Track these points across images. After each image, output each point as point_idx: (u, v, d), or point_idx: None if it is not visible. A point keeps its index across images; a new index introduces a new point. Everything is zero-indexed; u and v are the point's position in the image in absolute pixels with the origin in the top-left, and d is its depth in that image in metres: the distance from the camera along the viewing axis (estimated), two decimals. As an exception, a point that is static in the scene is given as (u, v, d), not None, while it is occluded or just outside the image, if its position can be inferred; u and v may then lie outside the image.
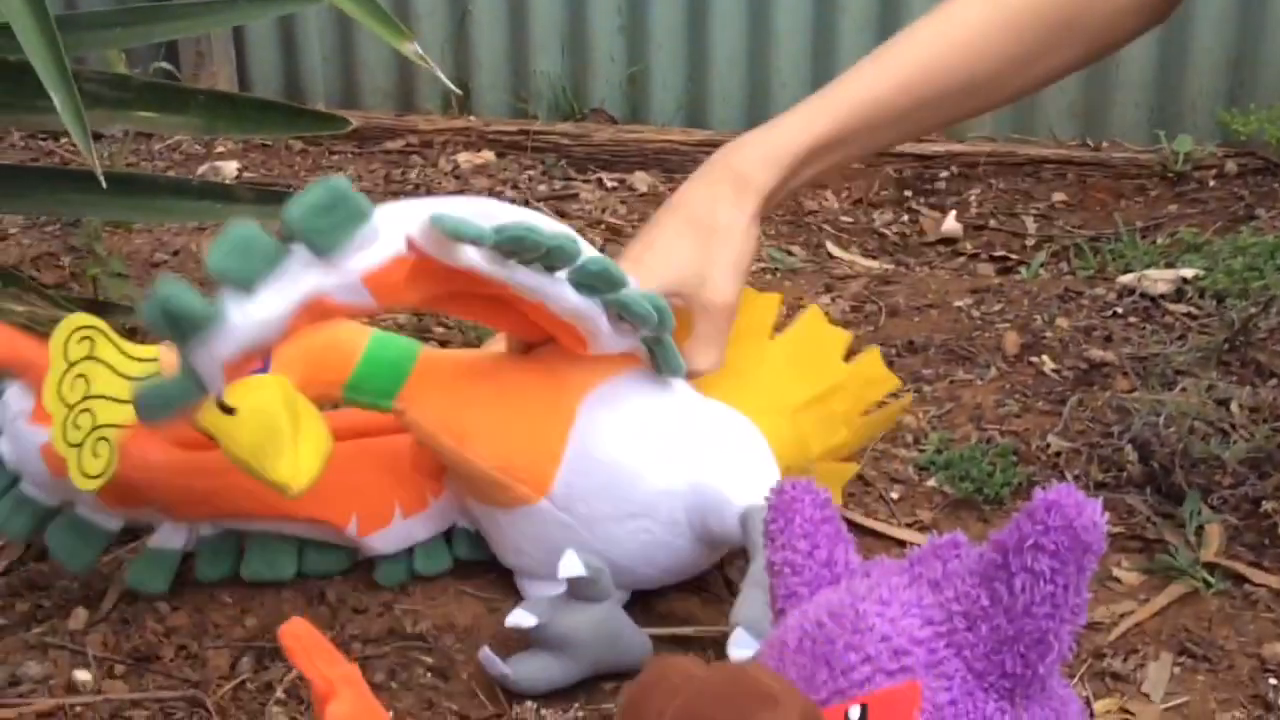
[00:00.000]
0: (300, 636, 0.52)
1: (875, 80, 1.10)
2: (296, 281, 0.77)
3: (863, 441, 1.13)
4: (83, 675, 0.88)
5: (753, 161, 1.03)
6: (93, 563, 0.95)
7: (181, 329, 0.75)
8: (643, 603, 0.98)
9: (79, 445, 0.83)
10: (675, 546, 0.95)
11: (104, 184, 0.92)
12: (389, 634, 0.93)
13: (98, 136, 2.16)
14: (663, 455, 0.93)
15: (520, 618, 0.87)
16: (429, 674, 0.90)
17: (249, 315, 0.76)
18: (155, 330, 0.76)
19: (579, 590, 0.88)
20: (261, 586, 0.98)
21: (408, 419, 0.92)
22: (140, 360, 0.88)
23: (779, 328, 1.10)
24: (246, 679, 0.89)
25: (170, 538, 0.95)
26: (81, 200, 1.25)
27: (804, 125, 1.06)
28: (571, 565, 0.87)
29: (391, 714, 0.87)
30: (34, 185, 1.36)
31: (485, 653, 0.88)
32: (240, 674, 0.89)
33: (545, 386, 0.94)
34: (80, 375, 0.84)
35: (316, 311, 0.79)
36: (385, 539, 0.97)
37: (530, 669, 0.87)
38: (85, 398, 0.84)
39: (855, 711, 0.67)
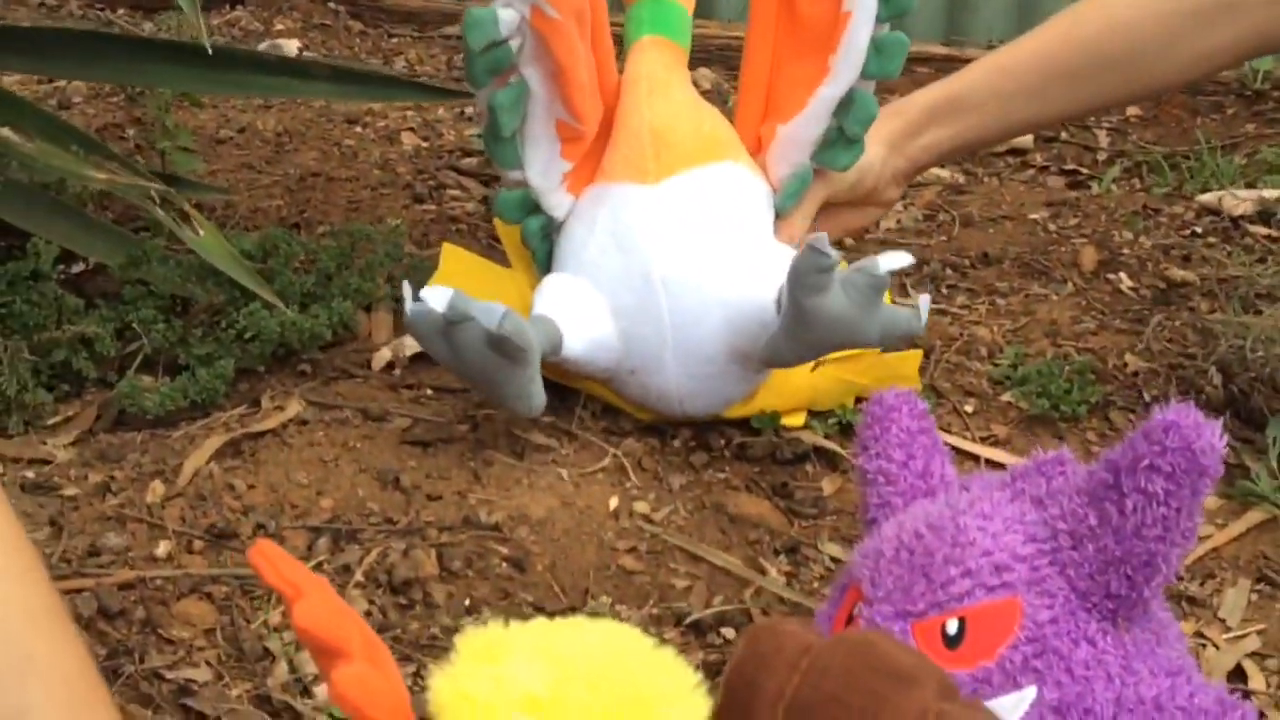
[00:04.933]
0: (268, 554, 0.52)
1: (1010, 49, 1.13)
2: None
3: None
4: (162, 549, 0.88)
5: (883, 111, 1.08)
6: None
7: None
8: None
9: None
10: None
11: (210, 51, 0.89)
12: (464, 523, 0.93)
13: (164, 7, 2.14)
14: None
15: (433, 297, 0.92)
16: (504, 564, 0.90)
17: None
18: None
19: (504, 346, 0.91)
20: (338, 467, 0.97)
21: None
22: None
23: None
24: (323, 560, 0.89)
25: None
26: (155, 70, 1.23)
27: (938, 84, 1.13)
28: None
29: (468, 601, 0.87)
30: (104, 52, 1.34)
31: (405, 284, 0.95)
32: (317, 555, 0.89)
33: None
34: None
35: None
36: None
37: (423, 320, 0.93)
38: None
39: (953, 625, 0.67)
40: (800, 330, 0.93)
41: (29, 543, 0.59)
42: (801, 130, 1.06)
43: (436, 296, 0.92)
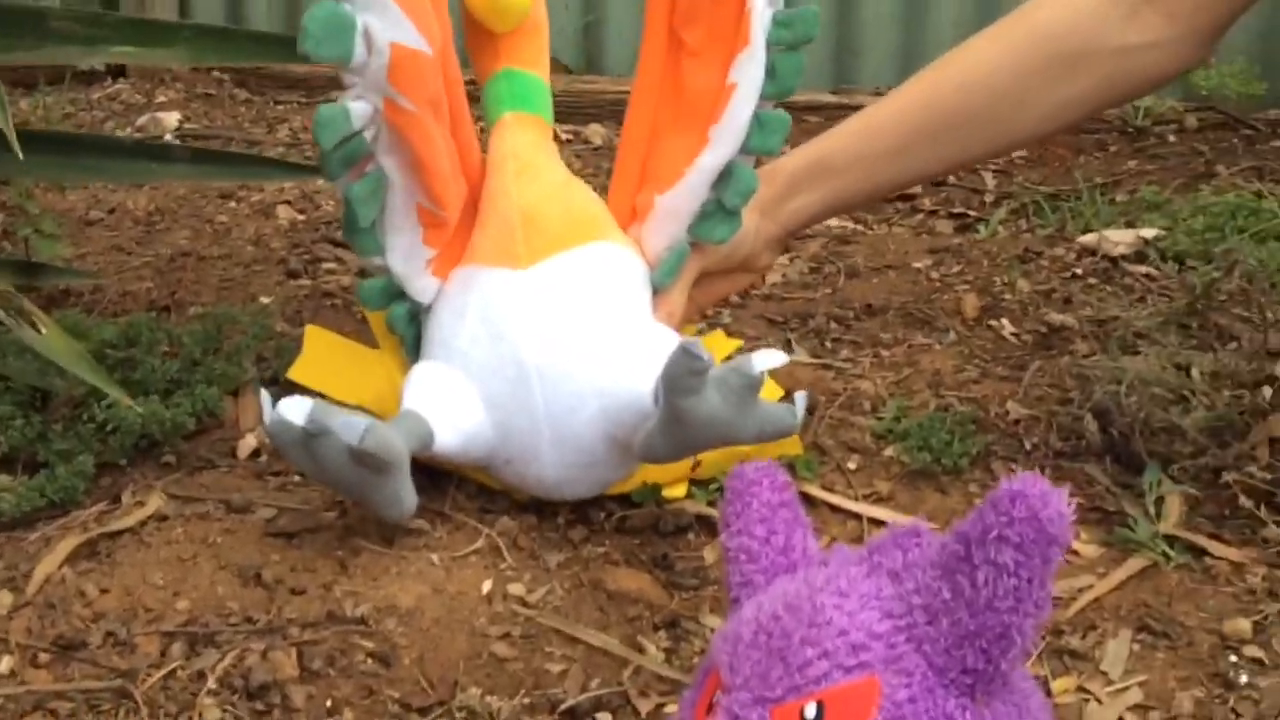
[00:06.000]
0: None
1: (874, 109, 1.14)
2: None
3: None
4: (4, 664, 0.84)
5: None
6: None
7: None
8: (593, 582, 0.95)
9: None
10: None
11: (20, 154, 0.86)
12: (328, 618, 0.90)
13: (28, 85, 2.09)
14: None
15: (291, 410, 0.90)
16: (369, 660, 0.87)
17: None
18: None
19: (366, 459, 0.90)
20: (197, 564, 0.94)
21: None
22: None
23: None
24: (178, 667, 0.85)
25: None
26: (9, 160, 1.19)
27: (806, 147, 1.13)
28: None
29: (329, 702, 0.84)
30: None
31: (265, 393, 0.93)
32: (171, 661, 0.86)
33: None
34: None
35: None
36: None
37: (282, 432, 0.91)
38: None
39: (811, 709, 0.65)
40: (675, 430, 0.92)
41: None
42: (679, 202, 1.05)
43: (295, 408, 0.90)
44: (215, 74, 2.24)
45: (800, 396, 0.96)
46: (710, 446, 0.97)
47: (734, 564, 0.76)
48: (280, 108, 2.15)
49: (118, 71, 2.26)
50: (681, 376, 0.90)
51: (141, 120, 2.01)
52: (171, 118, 2.01)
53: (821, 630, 0.66)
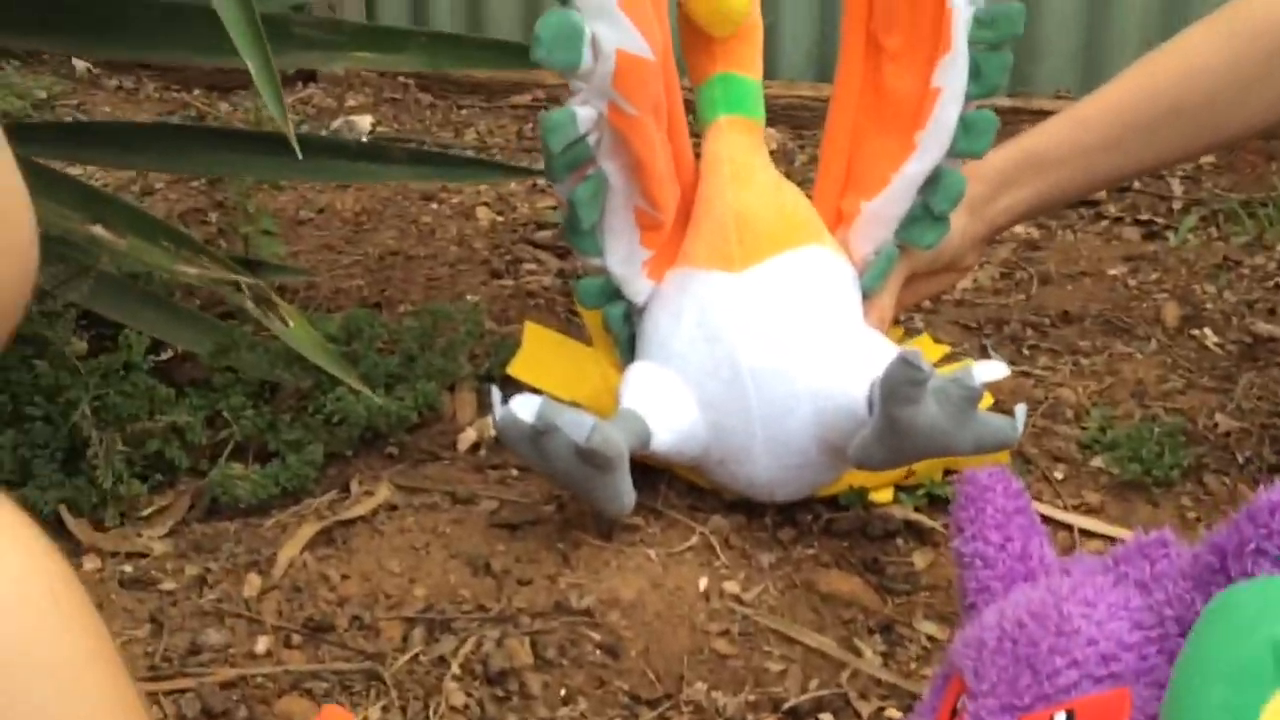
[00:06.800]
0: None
1: (1087, 103, 1.13)
2: None
3: None
4: (261, 645, 0.89)
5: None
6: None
7: None
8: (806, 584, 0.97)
9: None
10: None
11: (299, 154, 0.91)
12: (556, 608, 0.93)
13: (239, 87, 2.17)
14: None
15: (521, 407, 0.94)
16: (598, 651, 0.90)
17: None
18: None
19: (591, 457, 0.92)
20: (429, 553, 0.98)
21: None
22: None
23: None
24: (419, 652, 0.89)
25: None
26: (234, 160, 1.26)
27: (1013, 142, 1.12)
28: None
29: (564, 691, 0.87)
30: (183, 144, 1.37)
31: (495, 390, 0.98)
32: (413, 646, 0.90)
33: None
34: None
35: None
36: None
37: (511, 428, 0.95)
38: None
39: (1060, 718, 0.66)
40: (892, 439, 0.92)
41: (101, 626, 0.58)
42: (886, 208, 1.06)
43: (524, 406, 0.94)
44: (400, 78, 2.30)
45: (1021, 409, 0.96)
46: (927, 456, 0.98)
47: (969, 570, 0.77)
48: (464, 112, 2.20)
49: (308, 76, 2.35)
50: (901, 386, 0.90)
51: (336, 124, 2.08)
52: (365, 120, 2.08)
53: (1070, 639, 0.67)
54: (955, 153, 1.05)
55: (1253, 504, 0.63)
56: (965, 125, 1.04)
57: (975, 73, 1.03)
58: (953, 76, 1.02)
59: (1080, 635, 0.67)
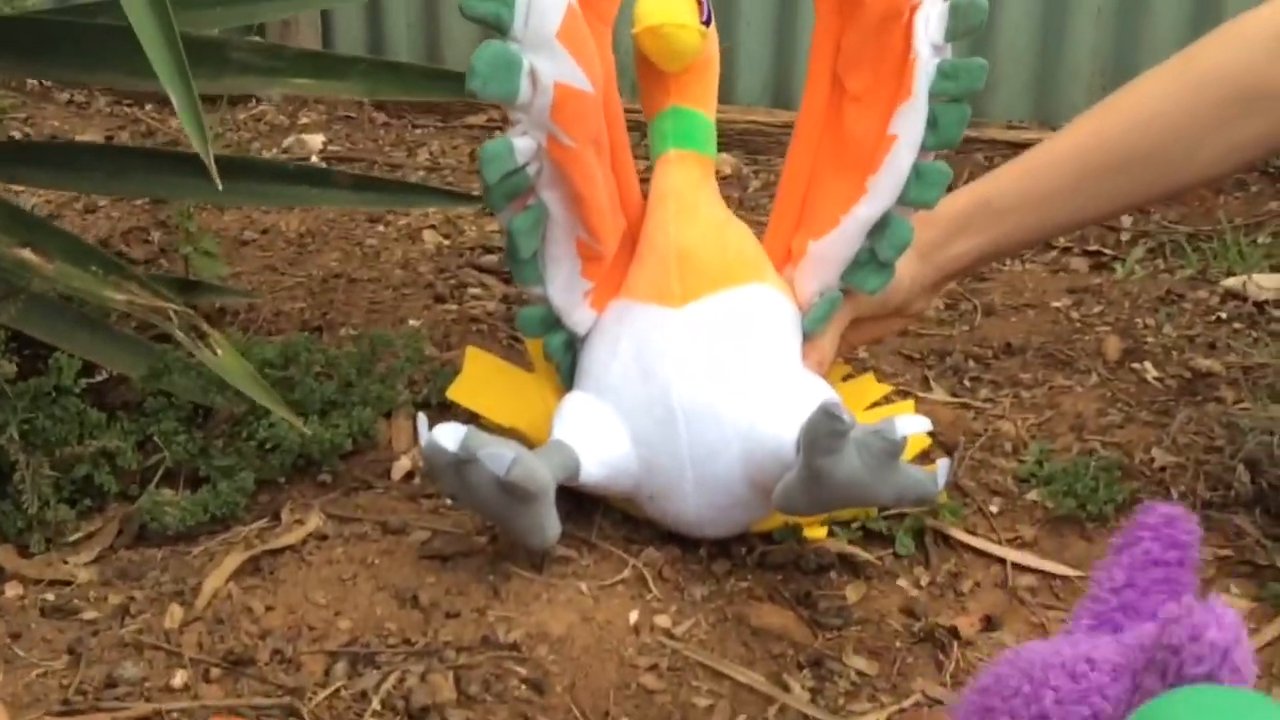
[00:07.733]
0: None
1: (1039, 150, 1.12)
2: None
3: None
4: (178, 678, 0.88)
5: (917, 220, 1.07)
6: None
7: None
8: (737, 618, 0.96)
9: None
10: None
11: (219, 184, 0.90)
12: (482, 642, 0.92)
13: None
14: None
15: (445, 436, 0.93)
16: (523, 686, 0.89)
17: None
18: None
19: (512, 489, 0.92)
20: (356, 585, 0.97)
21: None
22: None
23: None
24: (341, 686, 0.88)
25: None
26: (179, 183, 1.25)
27: (966, 189, 1.11)
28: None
29: (486, 727, 0.86)
30: (126, 166, 1.36)
31: (421, 417, 0.97)
32: (335, 681, 0.88)
33: None
34: None
35: None
36: None
37: (435, 456, 0.94)
38: None
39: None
40: (813, 487, 0.92)
41: None
42: (833, 249, 1.05)
43: (449, 434, 0.93)
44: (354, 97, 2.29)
45: (944, 465, 0.95)
46: (848, 506, 0.98)
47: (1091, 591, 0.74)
48: (419, 131, 2.20)
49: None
50: (822, 436, 0.90)
51: (287, 142, 2.07)
52: (316, 140, 2.07)
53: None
54: (906, 201, 1.04)
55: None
56: (918, 174, 1.03)
57: (933, 123, 1.02)
58: (910, 124, 1.02)
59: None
